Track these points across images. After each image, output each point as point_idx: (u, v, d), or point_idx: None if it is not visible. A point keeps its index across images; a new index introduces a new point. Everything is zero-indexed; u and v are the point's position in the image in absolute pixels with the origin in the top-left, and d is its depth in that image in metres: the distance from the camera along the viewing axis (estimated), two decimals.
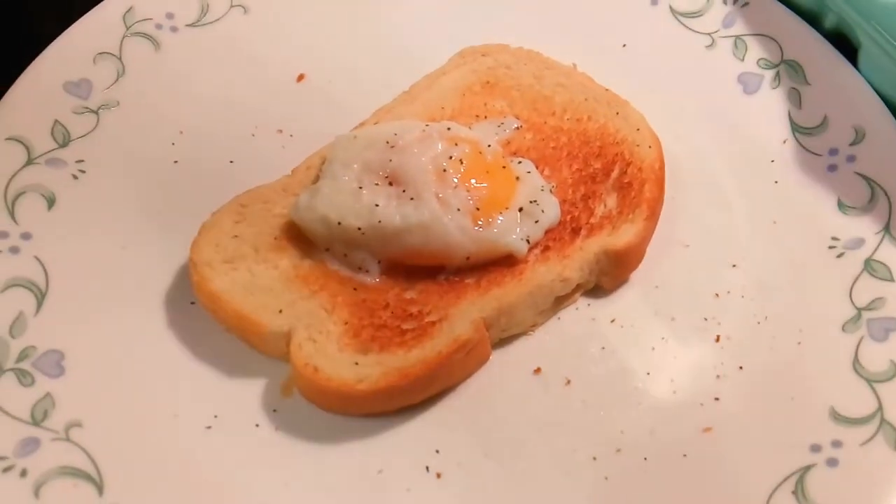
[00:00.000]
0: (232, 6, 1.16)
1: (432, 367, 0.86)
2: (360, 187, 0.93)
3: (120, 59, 1.09)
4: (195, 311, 0.94)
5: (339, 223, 0.91)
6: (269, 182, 1.00)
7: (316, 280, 0.93)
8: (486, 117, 1.06)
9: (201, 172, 1.04)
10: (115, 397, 0.89)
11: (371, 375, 0.85)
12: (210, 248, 0.93)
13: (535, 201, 0.95)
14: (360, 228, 0.91)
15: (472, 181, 0.94)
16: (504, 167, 0.97)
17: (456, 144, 0.96)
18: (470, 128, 1.02)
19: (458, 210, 0.92)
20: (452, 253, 0.92)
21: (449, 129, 0.98)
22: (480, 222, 0.92)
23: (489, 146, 0.98)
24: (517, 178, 0.98)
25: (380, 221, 0.91)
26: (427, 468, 0.87)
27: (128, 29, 1.11)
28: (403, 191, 0.92)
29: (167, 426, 0.88)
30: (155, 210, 1.01)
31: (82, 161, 1.02)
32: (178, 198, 1.02)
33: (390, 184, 0.93)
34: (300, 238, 0.95)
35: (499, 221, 0.93)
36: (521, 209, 0.95)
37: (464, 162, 0.94)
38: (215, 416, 0.89)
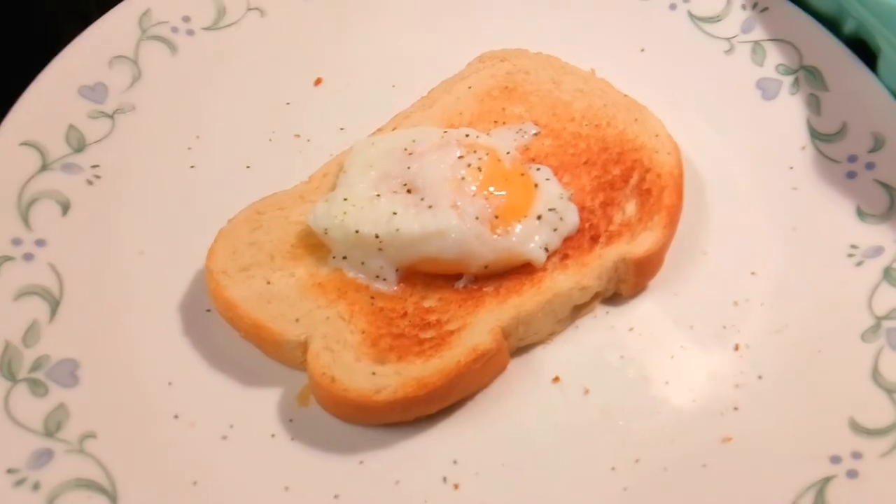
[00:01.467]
0: (249, 9, 1.16)
1: (451, 377, 0.86)
2: (378, 195, 0.93)
3: (136, 62, 1.09)
4: (211, 319, 0.93)
5: (357, 231, 0.90)
6: (286, 189, 1.00)
7: (333, 289, 0.92)
8: (504, 123, 1.05)
9: (218, 178, 1.04)
10: (130, 407, 0.88)
11: (389, 386, 0.85)
12: (226, 256, 0.92)
13: (553, 209, 0.95)
14: (377, 236, 0.90)
15: (491, 189, 0.93)
16: (522, 174, 0.97)
17: (474, 151, 0.95)
18: (488, 134, 1.02)
19: (477, 218, 0.91)
20: (470, 261, 0.91)
21: (467, 135, 0.97)
22: (499, 231, 0.92)
23: (508, 153, 0.98)
24: (536, 185, 0.97)
25: (398, 230, 0.90)
26: (444, 479, 0.86)
27: (144, 32, 1.11)
28: (422, 199, 0.92)
29: (182, 436, 0.88)
30: (171, 216, 1.01)
31: (97, 166, 1.02)
32: (194, 203, 1.02)
33: (408, 191, 0.93)
34: (317, 246, 0.94)
35: (517, 230, 0.92)
36: (539, 217, 0.94)
37: (482, 169, 0.94)
38: (231, 426, 0.88)
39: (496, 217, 0.92)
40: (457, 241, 0.90)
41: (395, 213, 0.91)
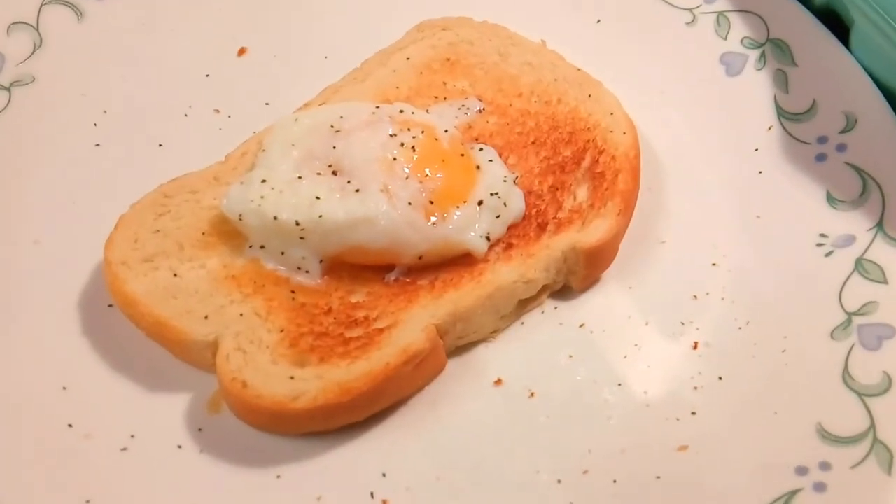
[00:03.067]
0: None
1: (378, 381, 0.78)
2: (300, 177, 0.85)
3: (37, 29, 1.01)
4: (113, 316, 0.85)
5: (275, 218, 0.82)
6: (198, 170, 0.91)
7: (249, 282, 0.84)
8: (445, 98, 0.98)
9: (126, 157, 0.97)
10: (19, 414, 0.81)
11: (308, 391, 0.77)
12: (127, 245, 0.84)
13: (496, 193, 0.87)
14: (298, 223, 0.82)
15: (426, 171, 0.86)
16: (463, 155, 0.89)
17: (408, 129, 0.88)
18: (427, 111, 0.95)
19: (409, 204, 0.83)
20: (402, 251, 0.84)
21: (401, 111, 0.90)
22: (434, 217, 0.84)
23: (447, 131, 0.90)
24: (478, 167, 0.89)
25: (321, 216, 0.82)
26: (372, 494, 0.80)
27: None
28: (348, 182, 0.84)
29: (77, 448, 0.80)
30: (71, 200, 0.93)
31: None
32: (99, 186, 0.94)
33: (334, 173, 0.85)
34: (232, 234, 0.86)
35: (455, 216, 0.85)
36: (480, 202, 0.87)
37: (417, 149, 0.86)
38: (132, 436, 0.81)
39: (431, 202, 0.85)
40: (387, 230, 0.82)
41: (318, 198, 0.83)
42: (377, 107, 0.90)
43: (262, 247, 0.85)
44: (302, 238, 0.83)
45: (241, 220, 0.84)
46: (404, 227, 0.83)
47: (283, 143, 0.87)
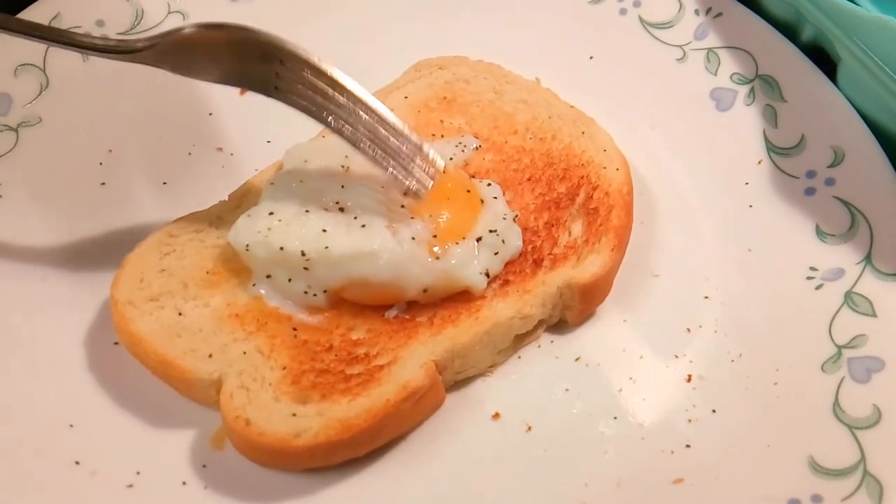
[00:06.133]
0: (170, 12, 1.09)
1: (378, 417, 0.79)
2: (307, 211, 0.86)
3: (44, 71, 1.02)
4: (118, 353, 0.86)
5: (282, 248, 0.83)
6: (203, 209, 0.92)
7: (252, 320, 0.85)
8: (442, 136, 0.99)
9: (131, 196, 0.97)
10: (25, 452, 0.81)
11: (310, 429, 0.78)
12: (133, 285, 0.85)
13: (494, 231, 0.88)
14: (304, 254, 0.83)
15: (429, 212, 0.87)
16: (469, 191, 0.90)
17: None
18: None
19: (413, 239, 0.84)
20: (405, 286, 0.85)
21: None
22: (437, 250, 0.85)
23: (451, 159, 0.93)
24: (482, 201, 0.91)
25: (327, 247, 0.83)
26: None
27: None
28: (355, 218, 0.85)
29: (83, 484, 0.80)
30: (79, 238, 0.94)
31: None
32: (104, 224, 0.95)
33: (341, 210, 0.86)
34: (235, 272, 0.88)
35: (456, 252, 0.86)
36: (479, 239, 0.88)
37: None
38: (137, 473, 0.81)
39: (434, 236, 0.86)
40: (390, 264, 0.83)
41: (324, 231, 0.84)
42: None
43: (268, 276, 0.85)
44: (306, 269, 0.84)
45: (247, 250, 0.84)
46: (408, 262, 0.84)
47: (291, 177, 0.88)
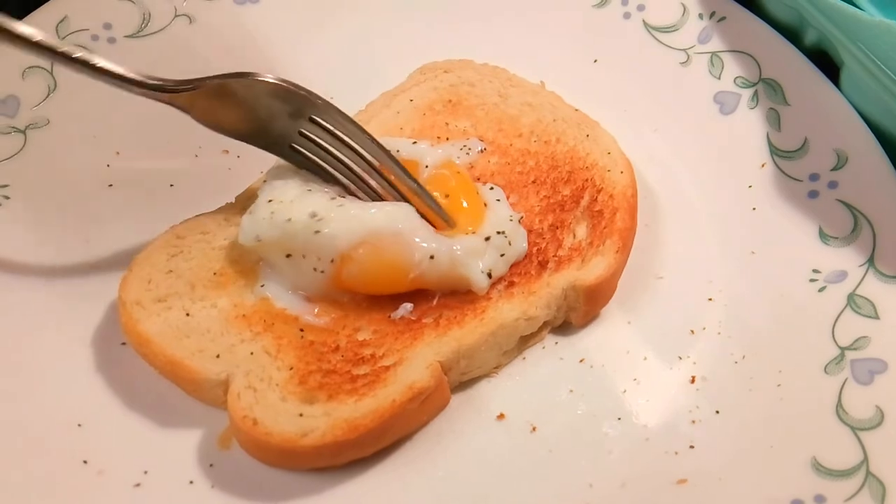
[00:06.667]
0: (176, 15, 1.09)
1: (384, 418, 0.79)
2: (310, 190, 0.87)
3: (51, 73, 1.02)
4: (126, 353, 0.86)
5: (289, 220, 0.83)
6: (210, 210, 0.93)
7: (259, 320, 0.86)
8: (447, 139, 0.99)
9: (138, 198, 0.98)
10: (33, 452, 0.82)
11: (317, 428, 0.78)
12: (141, 286, 0.85)
13: (503, 232, 0.89)
14: (315, 214, 0.83)
15: (437, 193, 0.90)
16: (476, 193, 0.92)
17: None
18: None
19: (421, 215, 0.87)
20: (413, 251, 0.85)
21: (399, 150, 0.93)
22: (445, 232, 0.87)
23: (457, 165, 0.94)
24: (485, 204, 0.91)
25: (340, 205, 0.84)
26: None
27: (61, 40, 1.02)
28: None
29: (91, 484, 0.81)
30: (86, 240, 0.94)
31: (6, 186, 0.95)
32: (112, 226, 0.95)
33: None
34: (242, 273, 0.88)
35: (464, 241, 0.87)
36: (487, 238, 0.88)
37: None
38: (145, 472, 0.82)
39: (441, 220, 0.88)
40: (403, 220, 0.85)
41: (333, 199, 0.86)
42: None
43: (288, 256, 0.85)
44: (317, 232, 0.83)
45: (259, 240, 0.84)
46: (417, 225, 0.85)
47: (287, 171, 0.89)
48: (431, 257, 0.85)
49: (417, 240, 0.85)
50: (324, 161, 0.88)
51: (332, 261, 0.84)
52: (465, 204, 0.91)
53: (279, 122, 0.87)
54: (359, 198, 0.88)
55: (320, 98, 0.87)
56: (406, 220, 0.85)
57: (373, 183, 0.88)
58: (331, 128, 0.87)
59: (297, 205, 0.85)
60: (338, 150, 0.88)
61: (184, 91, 0.84)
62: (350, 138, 0.87)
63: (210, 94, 0.84)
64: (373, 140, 0.88)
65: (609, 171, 0.95)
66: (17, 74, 1.01)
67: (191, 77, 0.86)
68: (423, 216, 0.87)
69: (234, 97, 0.85)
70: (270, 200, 0.86)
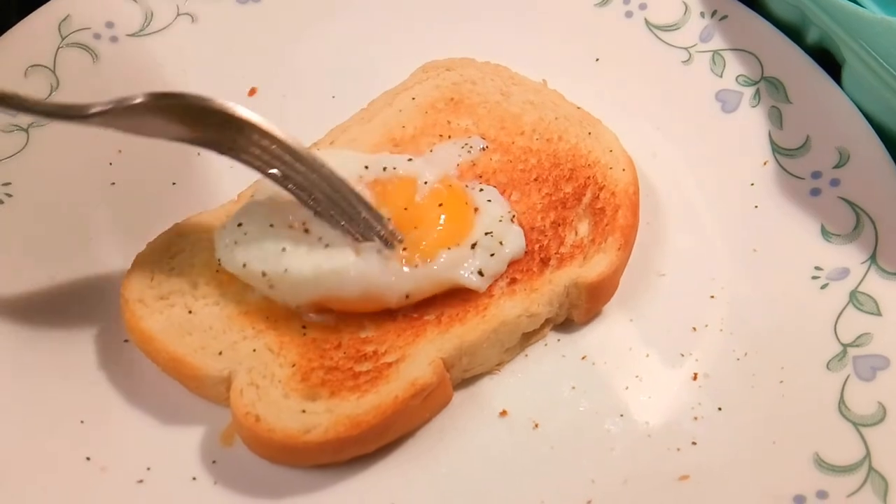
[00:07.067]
0: (179, 14, 1.09)
1: (387, 414, 0.79)
2: (271, 225, 0.85)
3: (54, 71, 1.02)
4: (129, 350, 0.87)
5: (245, 266, 0.83)
6: (212, 209, 0.93)
7: (261, 318, 0.86)
8: (450, 137, 0.99)
9: (141, 196, 0.98)
10: (36, 448, 0.82)
11: (319, 425, 0.78)
12: (143, 283, 0.86)
13: (490, 233, 0.89)
14: (265, 274, 0.83)
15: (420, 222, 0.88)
16: (465, 204, 0.91)
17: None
18: (431, 150, 0.97)
19: (379, 253, 0.84)
20: (381, 295, 0.84)
21: (385, 169, 0.90)
22: (416, 261, 0.85)
23: (426, 183, 0.91)
24: (476, 209, 0.91)
25: (286, 270, 0.83)
26: None
27: (63, 39, 1.04)
28: (319, 238, 0.85)
29: (94, 480, 0.81)
30: (89, 237, 0.95)
31: (9, 184, 0.95)
32: (114, 224, 0.96)
33: (306, 231, 0.85)
34: None
35: (443, 257, 0.86)
36: (474, 245, 0.88)
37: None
38: (148, 469, 0.82)
39: (404, 249, 0.85)
40: (355, 280, 0.83)
41: (283, 250, 0.84)
42: (366, 167, 0.90)
43: (271, 287, 0.84)
44: (272, 287, 0.84)
45: (219, 263, 0.85)
46: (377, 276, 0.83)
47: (270, 191, 0.87)
48: (407, 296, 0.85)
49: (381, 288, 0.84)
50: (264, 164, 0.83)
51: (297, 305, 0.85)
52: (449, 220, 0.89)
53: (210, 131, 0.82)
54: (305, 203, 0.85)
55: (241, 112, 0.81)
56: (360, 277, 0.83)
57: (321, 185, 0.84)
58: (262, 143, 0.83)
59: (253, 248, 0.83)
60: (275, 159, 0.83)
61: (94, 116, 0.77)
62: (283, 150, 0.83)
63: (127, 115, 0.78)
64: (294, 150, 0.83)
65: (611, 169, 0.95)
66: (19, 73, 1.01)
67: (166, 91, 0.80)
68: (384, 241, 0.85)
69: (156, 115, 0.80)
70: (240, 225, 0.85)
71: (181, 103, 0.79)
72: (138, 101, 0.76)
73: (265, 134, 0.80)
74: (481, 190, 0.93)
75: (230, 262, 0.84)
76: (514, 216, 0.92)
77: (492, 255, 0.88)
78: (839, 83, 1.01)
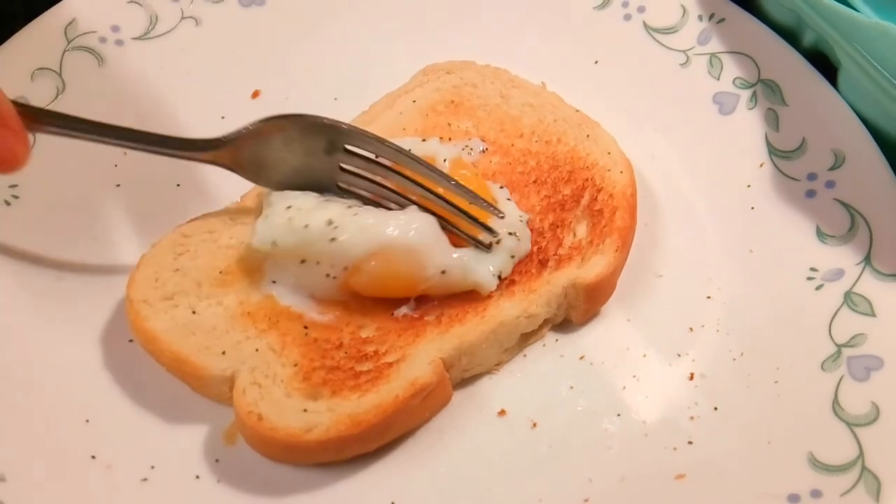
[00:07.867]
0: (183, 18, 1.10)
1: (388, 413, 0.80)
2: (327, 200, 0.88)
3: (60, 74, 1.03)
4: (133, 350, 0.87)
5: (306, 226, 0.84)
6: (216, 210, 0.94)
7: (264, 318, 0.87)
8: (450, 139, 1.00)
9: (145, 197, 0.99)
10: (43, 447, 0.83)
11: (321, 423, 0.80)
12: (148, 284, 0.87)
13: (514, 233, 0.90)
14: (331, 222, 0.84)
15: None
16: (490, 195, 0.93)
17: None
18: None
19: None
20: (426, 263, 0.86)
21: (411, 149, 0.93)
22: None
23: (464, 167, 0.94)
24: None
25: (356, 215, 0.85)
26: None
27: (69, 42, 1.05)
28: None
29: (99, 478, 0.82)
30: (94, 239, 0.95)
31: (15, 186, 0.96)
32: (119, 225, 0.97)
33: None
34: (248, 272, 0.89)
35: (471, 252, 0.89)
36: (498, 241, 0.90)
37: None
38: (152, 467, 0.83)
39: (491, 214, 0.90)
40: (418, 231, 0.86)
41: (349, 207, 0.87)
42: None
43: (303, 261, 0.85)
44: (333, 240, 0.84)
45: (275, 245, 0.85)
46: (434, 237, 0.86)
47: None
48: (443, 272, 0.87)
49: (431, 255, 0.86)
50: (371, 191, 0.91)
51: (344, 268, 0.86)
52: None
53: (317, 159, 0.89)
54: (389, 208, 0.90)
55: (345, 123, 0.89)
56: (421, 234, 0.85)
57: (413, 196, 0.90)
58: (370, 155, 0.89)
59: (314, 213, 0.86)
60: (380, 175, 0.89)
61: (221, 147, 0.87)
62: (389, 159, 0.89)
63: (249, 144, 0.87)
64: (407, 153, 0.89)
65: (609, 171, 0.96)
66: (25, 76, 1.02)
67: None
68: (455, 226, 0.88)
69: (270, 143, 0.88)
70: (289, 207, 0.87)
71: (290, 123, 0.88)
72: (253, 126, 0.87)
73: (369, 142, 0.89)
74: (500, 187, 0.95)
75: (288, 235, 0.85)
76: (528, 218, 0.93)
77: (512, 256, 0.90)
78: (835, 86, 1.02)
